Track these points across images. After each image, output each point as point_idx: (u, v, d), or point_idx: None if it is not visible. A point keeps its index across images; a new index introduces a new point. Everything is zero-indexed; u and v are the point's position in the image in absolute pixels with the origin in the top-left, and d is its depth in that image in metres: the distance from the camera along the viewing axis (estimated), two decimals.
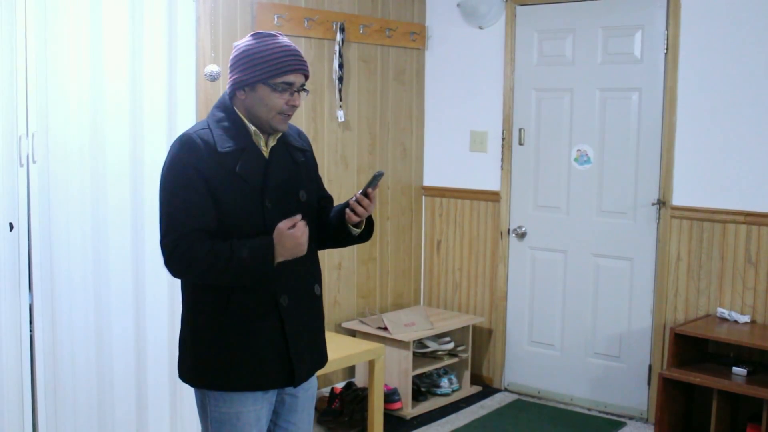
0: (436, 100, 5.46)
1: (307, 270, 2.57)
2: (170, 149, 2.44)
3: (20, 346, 3.51)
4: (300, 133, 2.65)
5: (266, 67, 2.39)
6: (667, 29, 4.53)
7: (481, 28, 5.20)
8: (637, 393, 4.80)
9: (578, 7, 4.86)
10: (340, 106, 4.87)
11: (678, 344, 4.26)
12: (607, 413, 4.89)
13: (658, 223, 4.66)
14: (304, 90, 2.47)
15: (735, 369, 4.15)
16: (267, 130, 2.48)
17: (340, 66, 4.81)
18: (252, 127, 2.46)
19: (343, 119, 4.88)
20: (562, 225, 5.03)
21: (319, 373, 4.27)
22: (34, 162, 3.50)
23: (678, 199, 4.56)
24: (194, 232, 2.35)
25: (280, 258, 2.35)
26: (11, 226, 3.43)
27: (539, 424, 4.79)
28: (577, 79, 4.89)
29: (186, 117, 4.06)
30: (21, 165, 3.46)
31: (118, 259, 3.84)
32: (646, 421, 4.74)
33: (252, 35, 2.47)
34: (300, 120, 4.67)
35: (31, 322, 3.55)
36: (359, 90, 5.04)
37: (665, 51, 4.55)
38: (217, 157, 2.38)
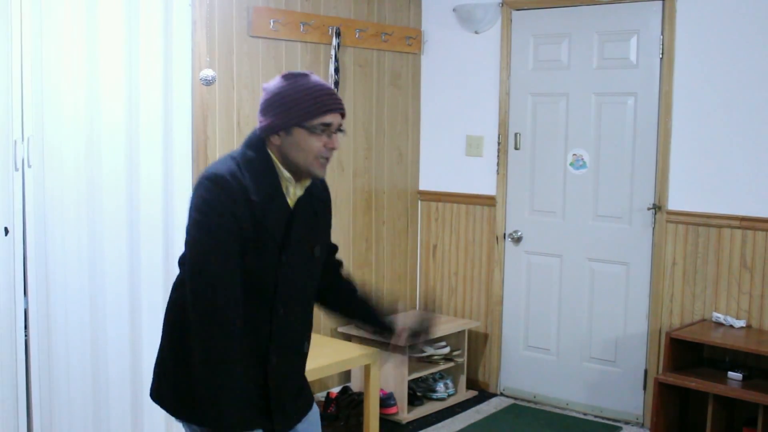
0: (431, 104, 5.46)
1: (303, 326, 2.47)
2: (201, 186, 2.25)
3: (15, 351, 3.50)
4: (323, 182, 2.51)
5: (302, 110, 2.26)
6: (662, 34, 4.54)
7: (476, 32, 5.21)
8: (633, 397, 4.80)
9: (574, 11, 4.87)
10: None
11: (673, 349, 4.26)
12: (602, 418, 4.89)
13: (653, 228, 4.66)
14: (341, 131, 2.34)
15: (730, 374, 4.16)
16: (304, 176, 2.34)
17: (336, 70, 4.81)
18: (286, 173, 2.32)
19: None
20: (557, 229, 5.03)
21: (315, 377, 4.27)
22: (29, 166, 3.49)
23: (673, 203, 4.57)
24: (233, 303, 2.21)
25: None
26: (6, 231, 3.43)
27: (535, 428, 4.79)
28: (572, 84, 4.90)
29: (182, 121, 4.06)
30: (16, 169, 3.45)
31: (113, 263, 3.83)
32: (642, 425, 4.74)
33: (283, 76, 2.33)
34: None
35: (26, 327, 3.55)
36: (355, 94, 5.04)
37: (660, 56, 4.56)
38: (249, 204, 2.24)
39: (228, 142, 4.34)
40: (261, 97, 2.36)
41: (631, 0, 4.63)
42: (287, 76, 2.33)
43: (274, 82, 2.34)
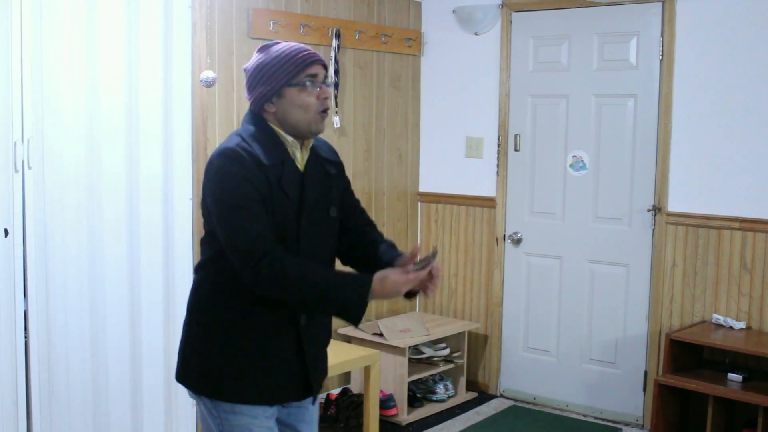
0: (431, 106, 5.47)
1: None
2: (213, 164, 2.31)
3: (15, 352, 3.50)
4: (328, 145, 2.58)
5: (285, 69, 2.33)
6: (662, 36, 4.55)
7: (476, 34, 5.21)
8: (633, 399, 4.80)
9: (574, 13, 4.87)
10: (336, 112, 4.87)
11: (673, 350, 4.26)
12: (602, 419, 4.89)
13: (653, 230, 4.66)
14: (328, 84, 2.42)
15: (730, 375, 4.16)
16: (306, 135, 2.39)
17: (336, 72, 4.82)
18: (289, 138, 2.38)
19: (338, 125, 4.88)
20: (557, 231, 5.03)
21: None
22: (29, 168, 3.49)
23: (673, 205, 4.57)
24: (275, 247, 2.25)
25: (372, 298, 2.27)
26: (6, 232, 3.43)
27: (535, 430, 4.79)
28: (572, 86, 4.90)
29: (182, 123, 4.06)
30: (16, 171, 3.45)
31: (113, 264, 3.83)
32: (642, 427, 4.74)
33: (257, 51, 2.43)
34: None
35: (25, 328, 3.54)
36: (355, 96, 5.04)
37: (660, 57, 4.56)
38: (263, 169, 2.29)
39: None
40: (245, 79, 2.43)
41: (631, 2, 4.63)
42: (261, 49, 2.41)
43: (252, 59, 2.42)
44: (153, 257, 3.98)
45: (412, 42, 5.36)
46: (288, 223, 2.34)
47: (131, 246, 3.89)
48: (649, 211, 4.67)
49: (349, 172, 4.98)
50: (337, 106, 4.86)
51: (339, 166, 2.56)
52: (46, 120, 3.54)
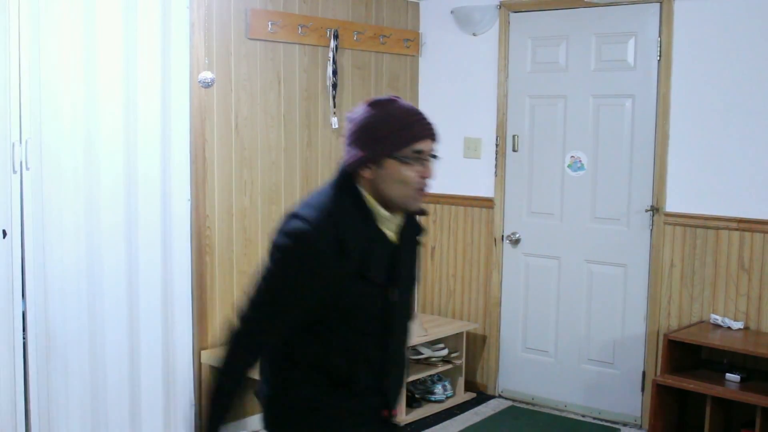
0: (430, 106, 5.45)
1: (404, 359, 2.35)
2: (287, 236, 2.06)
3: (13, 353, 3.50)
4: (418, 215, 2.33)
5: (392, 138, 2.09)
6: (660, 36, 4.55)
7: (474, 35, 5.21)
8: (631, 399, 4.80)
9: (572, 14, 4.87)
10: (334, 113, 4.87)
11: (671, 351, 4.26)
12: (601, 420, 4.89)
13: (651, 230, 4.66)
14: (435, 157, 2.20)
15: (728, 375, 4.16)
16: (398, 210, 2.18)
17: (334, 73, 4.81)
18: (382, 211, 2.14)
19: (336, 126, 4.88)
20: (555, 231, 5.04)
21: None
22: (27, 169, 3.49)
23: (671, 205, 4.57)
24: (264, 346, 2.16)
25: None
26: (4, 233, 3.43)
27: (533, 430, 4.79)
28: (570, 86, 4.90)
29: (180, 124, 4.06)
30: (14, 172, 3.45)
31: (111, 265, 3.83)
32: (640, 427, 4.74)
33: (369, 104, 2.16)
34: (294, 126, 4.68)
35: (24, 330, 3.54)
36: (353, 97, 5.04)
37: (658, 58, 4.56)
38: (342, 261, 2.06)
39: (226, 144, 4.34)
40: (346, 127, 2.19)
41: (629, 2, 4.64)
42: (373, 104, 2.15)
43: (360, 110, 2.16)
44: (151, 258, 3.98)
45: (410, 43, 5.36)
46: (375, 300, 2.15)
47: (129, 247, 3.89)
48: (647, 211, 4.67)
49: None
50: (335, 107, 4.86)
51: (421, 230, 2.36)
52: (44, 121, 3.54)
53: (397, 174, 2.11)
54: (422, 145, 2.15)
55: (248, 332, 2.12)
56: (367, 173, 2.11)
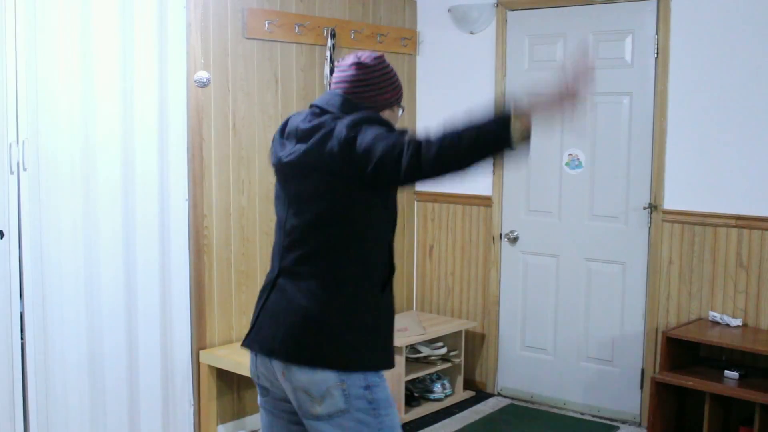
0: (427, 105, 5.46)
1: None
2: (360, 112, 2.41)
3: (11, 354, 3.50)
4: None
5: (400, 91, 2.57)
6: (657, 34, 4.55)
7: (472, 33, 5.21)
8: (630, 397, 4.80)
9: (569, 11, 4.87)
10: None
11: (670, 348, 4.27)
12: (600, 417, 4.90)
13: (649, 227, 4.67)
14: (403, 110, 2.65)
15: (727, 372, 4.16)
16: None
17: (332, 72, 4.81)
18: None
19: None
20: (554, 229, 5.04)
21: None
22: (24, 169, 3.49)
23: (669, 203, 4.58)
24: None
25: (520, 112, 2.29)
26: (2, 234, 3.43)
27: (532, 428, 4.79)
28: None
29: (177, 123, 4.06)
30: (11, 172, 3.45)
31: (109, 265, 3.83)
32: (639, 424, 4.74)
33: (380, 57, 2.54)
34: None
35: (22, 330, 3.54)
36: None
37: (656, 55, 4.56)
38: None
39: (223, 143, 4.33)
40: (358, 70, 2.48)
41: (626, 0, 4.64)
42: (383, 58, 2.55)
43: (377, 58, 2.52)
44: (149, 258, 3.98)
45: (407, 41, 5.35)
46: (391, 197, 2.66)
47: (127, 247, 3.89)
48: (645, 208, 4.67)
49: None
50: None
51: None
52: (41, 121, 3.54)
53: (395, 118, 2.58)
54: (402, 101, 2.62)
55: (401, 140, 2.30)
56: (387, 113, 2.54)
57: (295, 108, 4.70)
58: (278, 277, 2.48)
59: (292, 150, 2.44)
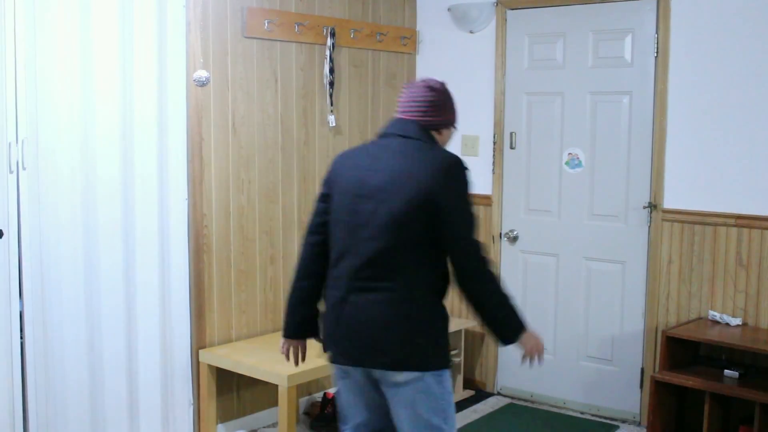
0: None
1: None
2: (460, 166, 2.74)
3: (11, 354, 3.50)
4: None
5: (456, 112, 2.90)
6: (657, 33, 4.55)
7: (471, 32, 5.21)
8: (630, 396, 4.80)
9: (569, 10, 4.87)
10: (331, 111, 4.86)
11: (670, 347, 4.27)
12: (599, 416, 4.90)
13: (649, 226, 4.67)
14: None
15: (727, 372, 4.16)
16: None
17: (331, 71, 4.81)
18: None
19: (334, 124, 4.88)
20: (553, 228, 5.04)
21: (313, 378, 4.27)
22: (24, 169, 3.49)
23: (669, 202, 4.58)
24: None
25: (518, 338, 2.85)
26: (1, 234, 3.42)
27: (532, 428, 4.79)
28: (567, 83, 4.90)
29: (177, 122, 4.06)
30: (11, 172, 3.45)
31: (108, 264, 3.83)
32: (639, 424, 4.74)
33: (442, 83, 2.87)
34: (291, 125, 4.67)
35: (21, 330, 3.54)
36: (350, 95, 5.03)
37: (655, 54, 4.56)
38: None
39: (223, 143, 4.33)
40: (427, 94, 2.81)
41: None
42: (444, 84, 2.88)
43: (439, 84, 2.85)
44: (148, 257, 3.97)
45: (407, 40, 5.35)
46: None
47: (127, 246, 3.89)
48: (644, 208, 4.67)
49: None
50: (332, 105, 4.86)
51: None
52: (40, 121, 3.54)
53: (450, 138, 2.91)
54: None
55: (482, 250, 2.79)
56: (445, 132, 2.86)
57: (295, 107, 4.70)
58: (350, 293, 2.75)
59: (391, 176, 2.71)
